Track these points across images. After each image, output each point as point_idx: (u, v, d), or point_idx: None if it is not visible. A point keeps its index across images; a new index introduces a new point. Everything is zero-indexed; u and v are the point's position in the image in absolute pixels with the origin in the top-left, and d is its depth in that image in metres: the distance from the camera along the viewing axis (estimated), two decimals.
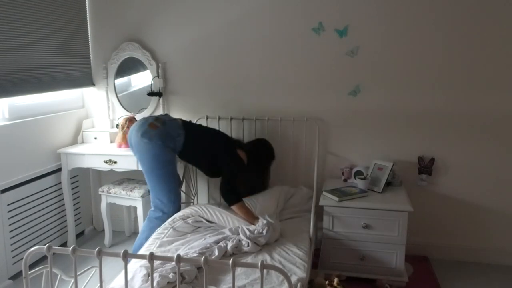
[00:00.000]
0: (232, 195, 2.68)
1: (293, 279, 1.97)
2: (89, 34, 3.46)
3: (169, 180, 2.71)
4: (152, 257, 1.41)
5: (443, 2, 2.83)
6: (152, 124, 2.70)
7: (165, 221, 2.62)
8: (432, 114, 2.98)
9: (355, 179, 3.00)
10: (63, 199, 3.21)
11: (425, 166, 3.01)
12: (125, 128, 3.15)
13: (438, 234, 3.11)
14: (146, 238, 2.52)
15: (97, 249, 1.43)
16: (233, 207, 2.66)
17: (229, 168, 2.74)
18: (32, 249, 1.47)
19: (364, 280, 2.69)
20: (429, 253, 3.11)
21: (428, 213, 3.08)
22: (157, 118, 2.79)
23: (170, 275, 1.86)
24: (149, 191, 2.84)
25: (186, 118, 3.33)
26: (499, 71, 2.84)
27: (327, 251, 2.75)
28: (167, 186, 2.70)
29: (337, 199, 2.69)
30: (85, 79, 3.46)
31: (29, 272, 1.46)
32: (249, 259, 2.22)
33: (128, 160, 3.07)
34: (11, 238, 2.76)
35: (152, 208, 2.78)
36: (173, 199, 2.73)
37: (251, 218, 2.62)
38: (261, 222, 2.48)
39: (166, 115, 2.99)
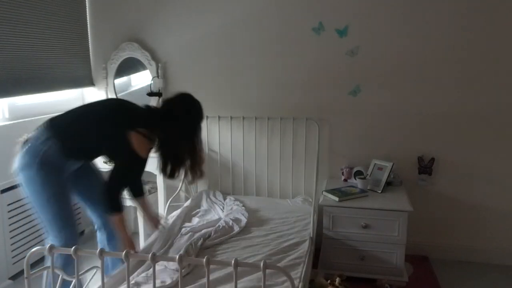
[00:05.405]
0: (113, 202, 2.08)
1: (294, 279, 1.97)
2: (89, 34, 3.46)
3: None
4: (154, 258, 1.41)
5: (443, 1, 2.84)
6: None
7: None
8: (432, 114, 2.98)
9: (355, 179, 3.00)
10: None
11: (425, 166, 3.01)
12: None
13: (438, 234, 3.11)
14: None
15: (99, 249, 1.42)
16: (111, 217, 2.09)
17: (117, 163, 2.13)
18: (34, 249, 1.46)
19: (364, 280, 2.69)
20: (429, 253, 3.11)
21: (428, 213, 3.08)
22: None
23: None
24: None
25: None
26: (499, 71, 2.85)
27: (327, 251, 2.75)
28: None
29: (337, 199, 2.69)
30: (85, 79, 3.46)
31: (31, 273, 1.46)
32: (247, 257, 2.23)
33: None
34: (11, 238, 2.75)
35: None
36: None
37: (126, 238, 2.12)
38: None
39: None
